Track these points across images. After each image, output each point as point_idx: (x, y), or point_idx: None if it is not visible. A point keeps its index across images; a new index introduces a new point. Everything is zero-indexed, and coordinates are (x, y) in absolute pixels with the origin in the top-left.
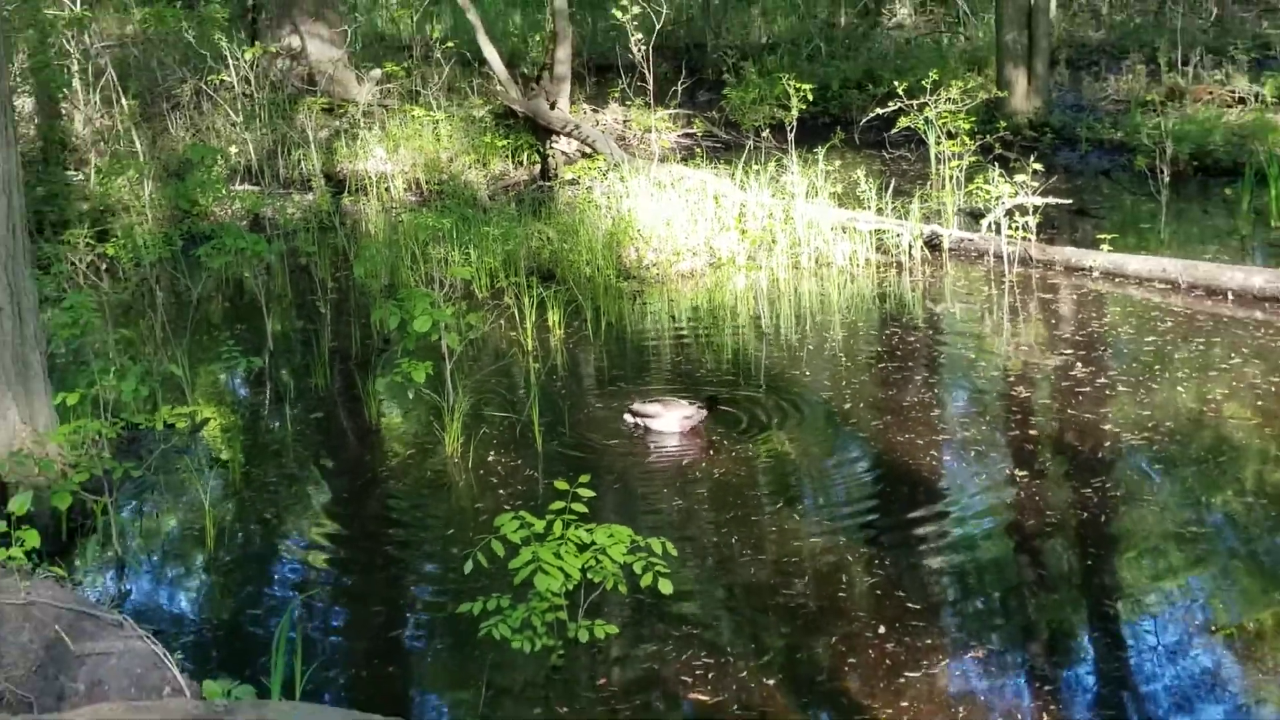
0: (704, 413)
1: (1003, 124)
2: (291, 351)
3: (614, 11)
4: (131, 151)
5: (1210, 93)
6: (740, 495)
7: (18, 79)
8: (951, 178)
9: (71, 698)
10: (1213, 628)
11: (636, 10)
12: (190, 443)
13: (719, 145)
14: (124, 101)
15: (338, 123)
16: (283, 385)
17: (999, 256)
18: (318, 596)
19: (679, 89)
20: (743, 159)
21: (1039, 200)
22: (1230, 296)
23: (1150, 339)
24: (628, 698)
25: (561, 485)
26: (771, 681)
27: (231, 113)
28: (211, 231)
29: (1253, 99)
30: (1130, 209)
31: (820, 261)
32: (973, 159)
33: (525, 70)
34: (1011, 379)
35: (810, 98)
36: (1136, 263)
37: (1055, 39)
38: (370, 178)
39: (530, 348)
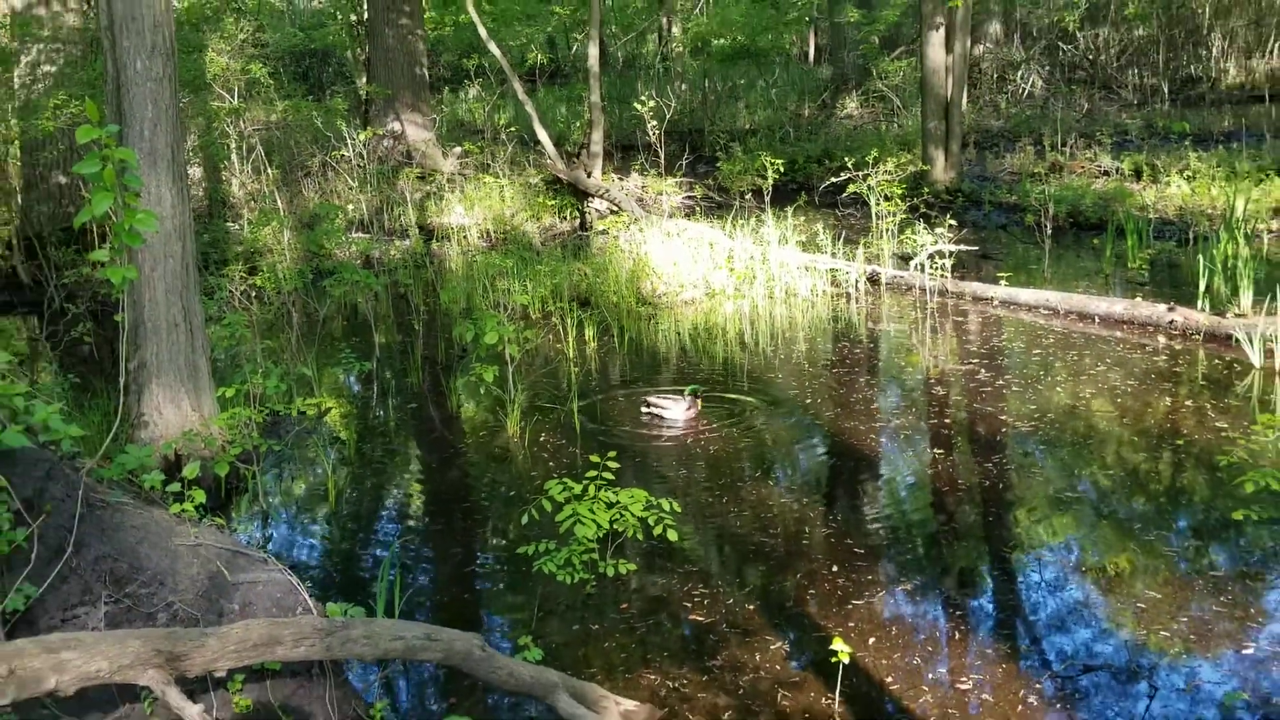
0: (699, 404)
1: (926, 190)
2: (393, 358)
3: (635, 105)
4: (274, 208)
5: (1082, 167)
6: (728, 467)
7: (190, 153)
8: (887, 230)
9: (228, 615)
10: (1082, 568)
11: (652, 105)
12: (317, 426)
13: (713, 205)
14: (268, 170)
15: (428, 187)
16: (386, 383)
17: (923, 289)
18: (412, 541)
19: (683, 163)
20: (731, 215)
21: (953, 247)
22: (1097, 320)
23: (1036, 352)
24: (643, 618)
25: (595, 458)
26: (751, 606)
27: (349, 179)
28: (334, 268)
29: (1114, 172)
30: (1022, 254)
31: (789, 293)
32: (903, 216)
33: (569, 148)
34: (931, 381)
35: (782, 170)
36: (1026, 294)
37: (966, 127)
38: (452, 228)
39: (571, 356)
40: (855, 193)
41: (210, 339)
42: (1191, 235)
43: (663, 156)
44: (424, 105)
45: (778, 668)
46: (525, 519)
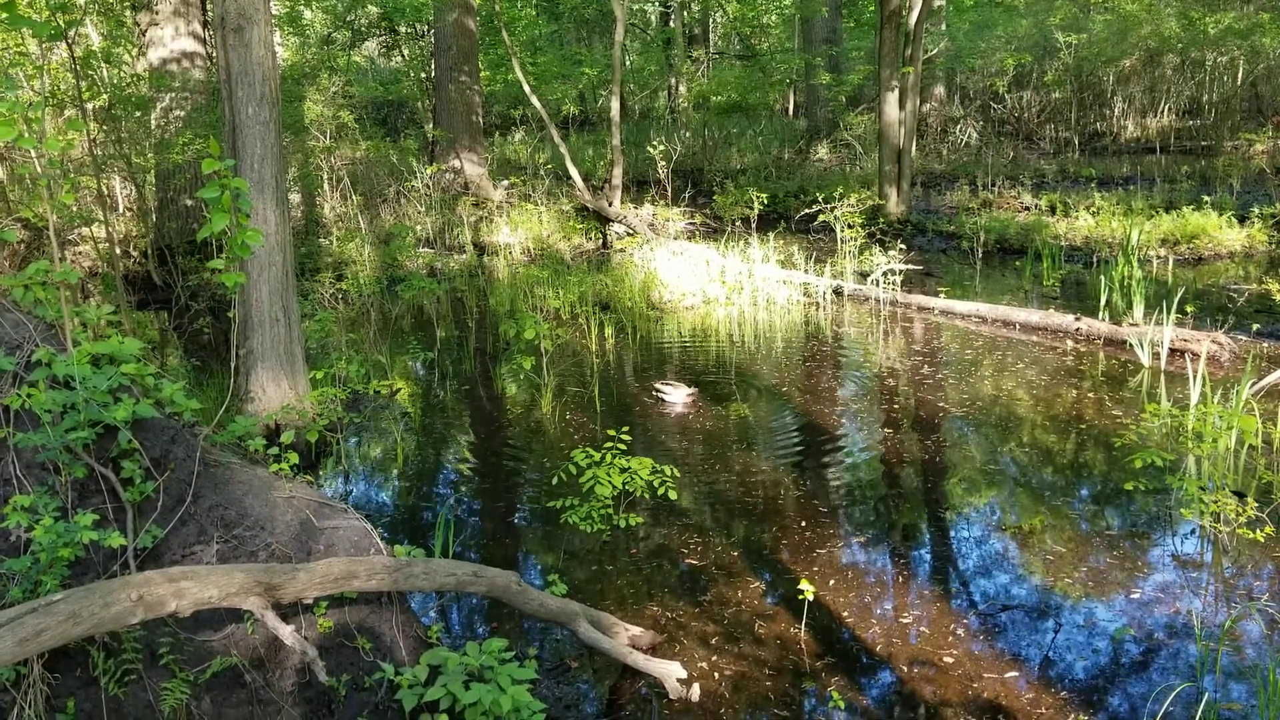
0: (696, 389)
1: (881, 220)
2: (451, 349)
3: (648, 149)
4: (357, 227)
5: (1007, 203)
6: (718, 440)
7: (291, 183)
8: (850, 252)
9: (315, 554)
10: (1002, 526)
11: (662, 148)
12: (389, 403)
13: (710, 230)
14: (353, 197)
15: (481, 212)
16: (445, 369)
17: (878, 300)
18: (463, 495)
19: (686, 195)
20: (724, 239)
21: (902, 266)
22: (1018, 327)
23: (969, 351)
24: (648, 561)
25: (611, 432)
26: (736, 553)
27: (418, 205)
28: (404, 276)
29: (1033, 207)
30: (958, 272)
31: (769, 301)
32: (863, 241)
33: (594, 182)
34: (883, 373)
35: (765, 202)
36: (961, 305)
37: (914, 169)
38: (500, 246)
39: (593, 349)
40: (824, 221)
41: (304, 331)
42: (1095, 259)
43: (670, 190)
44: (479, 146)
45: (756, 603)
46: (555, 480)
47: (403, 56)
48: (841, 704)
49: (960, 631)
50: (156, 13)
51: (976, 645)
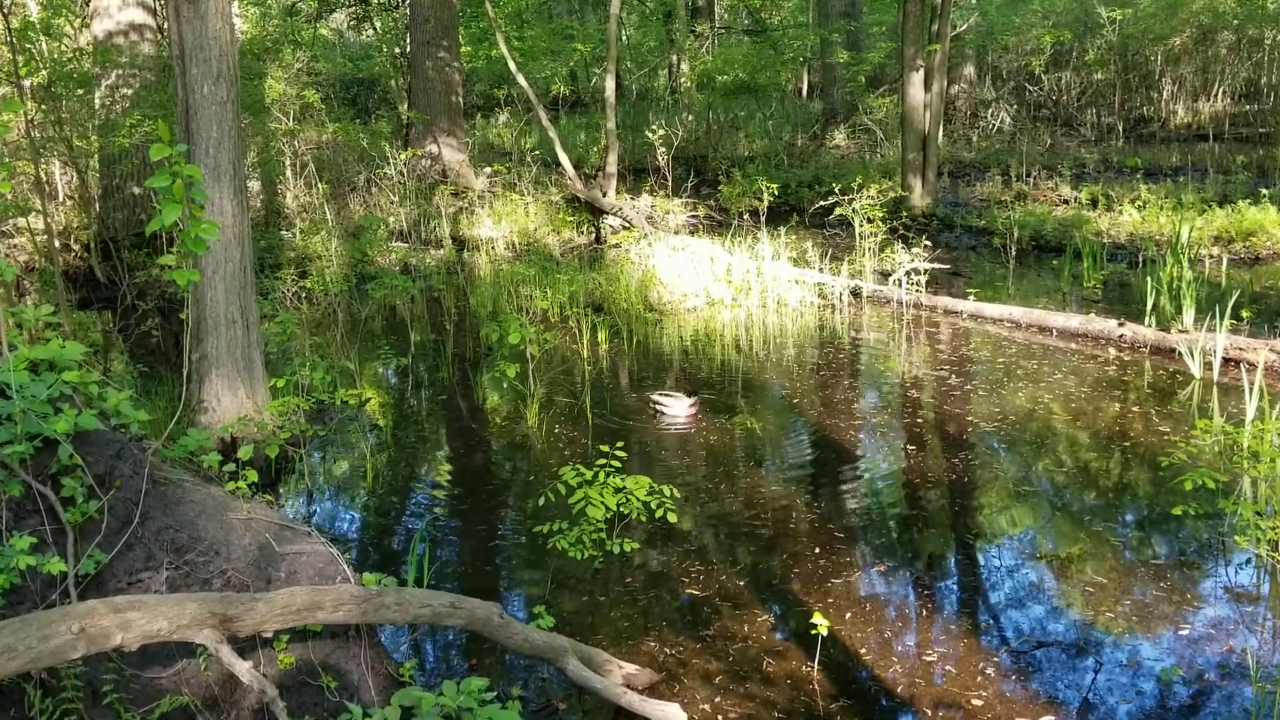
0: (698, 401)
1: (904, 214)
2: (426, 355)
3: (647, 133)
4: (323, 218)
5: (1044, 196)
6: (723, 457)
7: (250, 169)
8: (869, 249)
9: (275, 583)
10: (1037, 554)
11: (662, 133)
12: (358, 414)
13: (715, 224)
14: (319, 185)
15: (461, 203)
16: (420, 377)
17: (900, 302)
18: (440, 518)
19: (689, 185)
20: (730, 233)
21: (927, 265)
22: (1055, 333)
23: (1000, 360)
24: (645, 591)
25: (604, 448)
26: (741, 582)
27: (391, 194)
28: (375, 273)
29: (1073, 200)
30: (989, 272)
31: (780, 303)
32: (884, 237)
33: (587, 170)
34: (906, 384)
35: (776, 193)
36: (992, 309)
37: (941, 158)
38: (481, 240)
39: (585, 356)
40: (841, 215)
41: (264, 335)
42: (1141, 259)
43: (670, 179)
44: (459, 129)
45: (764, 638)
46: (542, 500)
47: (374, 30)
48: None
49: (990, 671)
50: None
51: (1009, 686)
